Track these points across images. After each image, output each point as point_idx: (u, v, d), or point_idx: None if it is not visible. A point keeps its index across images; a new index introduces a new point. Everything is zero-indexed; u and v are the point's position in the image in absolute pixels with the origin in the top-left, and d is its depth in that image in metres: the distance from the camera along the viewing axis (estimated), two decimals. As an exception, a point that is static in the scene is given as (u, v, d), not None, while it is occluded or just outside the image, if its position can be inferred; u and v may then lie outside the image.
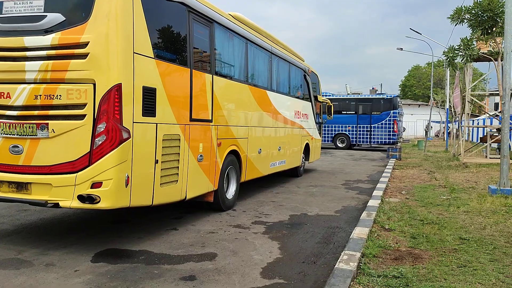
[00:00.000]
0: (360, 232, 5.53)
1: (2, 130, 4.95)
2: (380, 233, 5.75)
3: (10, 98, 4.89)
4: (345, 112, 26.73)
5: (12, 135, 4.91)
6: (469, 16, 12.02)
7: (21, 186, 4.92)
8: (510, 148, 11.31)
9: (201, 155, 6.42)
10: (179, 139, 5.83)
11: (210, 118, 6.72)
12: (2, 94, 4.92)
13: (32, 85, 4.82)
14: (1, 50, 4.94)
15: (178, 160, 5.82)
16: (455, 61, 13.31)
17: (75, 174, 4.69)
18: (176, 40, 6.00)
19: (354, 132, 26.61)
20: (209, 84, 6.66)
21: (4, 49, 4.93)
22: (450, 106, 27.15)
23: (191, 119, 6.12)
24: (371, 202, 7.83)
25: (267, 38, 9.64)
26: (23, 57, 4.85)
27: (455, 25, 12.26)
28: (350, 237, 5.38)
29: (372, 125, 26.07)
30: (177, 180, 5.81)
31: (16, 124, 4.88)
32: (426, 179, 11.80)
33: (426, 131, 37.64)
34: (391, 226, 6.08)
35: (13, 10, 4.92)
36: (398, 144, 24.81)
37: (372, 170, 15.08)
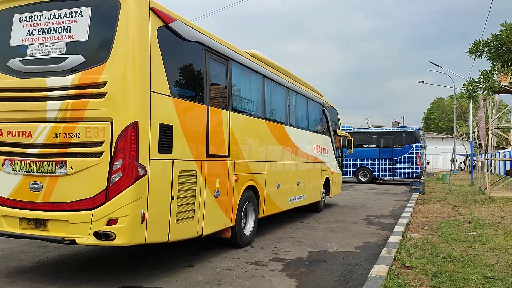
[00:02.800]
0: (379, 270, 5.37)
1: (23, 167, 5.07)
2: (401, 271, 5.57)
3: (31, 137, 5.04)
4: (366, 146, 26.51)
5: (32, 172, 5.02)
6: (488, 50, 11.94)
7: (39, 223, 4.99)
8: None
9: (218, 191, 6.42)
10: (196, 175, 5.86)
11: (227, 154, 6.76)
12: (24, 132, 5.08)
13: (53, 124, 4.97)
14: (25, 91, 5.14)
15: (195, 196, 5.84)
16: (476, 93, 13.15)
17: (91, 211, 4.75)
18: (193, 78, 6.13)
19: (376, 166, 26.27)
20: (226, 120, 6.74)
21: (27, 89, 5.12)
22: (474, 138, 26.68)
23: (208, 155, 6.17)
24: (392, 238, 7.63)
25: (284, 74, 9.77)
26: (44, 97, 5.02)
27: (474, 59, 12.18)
28: (369, 275, 5.22)
29: (395, 159, 25.72)
30: (193, 216, 5.81)
31: (36, 162, 5.00)
32: (450, 214, 11.47)
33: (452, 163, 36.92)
34: (412, 263, 5.89)
35: (37, 52, 5.13)
36: (421, 178, 24.34)
37: (394, 204, 14.78)
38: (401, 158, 25.54)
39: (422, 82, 46.87)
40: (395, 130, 27.12)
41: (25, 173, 5.08)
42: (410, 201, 14.82)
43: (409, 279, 5.16)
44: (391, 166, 25.82)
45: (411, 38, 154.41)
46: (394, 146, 25.80)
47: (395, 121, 40.41)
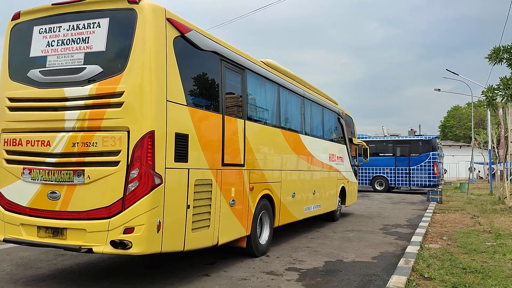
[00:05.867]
0: (397, 280, 5.28)
1: (42, 176, 5.14)
2: (419, 282, 5.47)
3: (50, 146, 5.11)
4: (382, 154, 26.28)
5: (51, 181, 5.08)
6: (508, 56, 11.76)
7: (57, 232, 5.04)
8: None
9: (233, 200, 6.42)
10: (211, 184, 5.87)
11: (243, 163, 6.76)
12: (43, 142, 5.15)
13: (71, 133, 5.03)
14: (44, 101, 5.22)
15: (210, 205, 5.84)
16: (495, 101, 12.95)
17: (108, 220, 4.77)
18: (208, 88, 6.17)
19: (393, 175, 26.00)
20: (241, 129, 6.75)
21: (46, 99, 5.20)
22: (493, 146, 26.23)
23: (223, 164, 6.18)
24: (410, 248, 7.51)
25: (299, 83, 9.76)
26: (63, 107, 5.10)
27: (494, 65, 12.01)
28: (387, 286, 5.14)
29: (411, 167, 25.42)
30: (209, 225, 5.80)
31: (55, 171, 5.06)
32: (469, 223, 11.26)
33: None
34: (430, 274, 5.78)
35: (55, 63, 5.22)
36: (439, 187, 24.00)
37: (411, 214, 14.57)
38: (418, 166, 25.26)
39: (439, 90, 46.37)
40: (412, 138, 26.86)
41: (43, 182, 5.14)
42: (427, 211, 14.60)
43: (428, 291, 5.06)
44: (407, 175, 25.54)
45: (426, 46, 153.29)
46: (411, 155, 25.53)
47: (411, 129, 40.01)
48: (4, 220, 5.33)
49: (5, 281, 5.63)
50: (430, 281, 5.52)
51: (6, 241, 5.33)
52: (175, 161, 5.13)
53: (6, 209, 5.35)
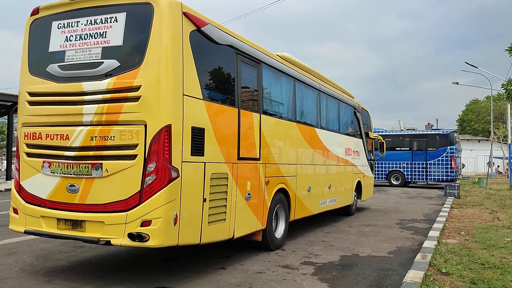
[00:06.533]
0: (414, 275, 5.24)
1: (61, 169, 5.22)
2: (436, 277, 5.41)
3: (68, 140, 5.19)
4: (399, 149, 26.03)
5: (70, 174, 5.16)
6: (528, 48, 11.56)
7: (76, 224, 5.12)
8: None
9: (249, 194, 6.43)
10: (227, 178, 5.89)
11: (258, 157, 6.76)
12: (62, 136, 5.23)
13: (89, 127, 5.09)
14: (62, 95, 5.29)
15: (226, 198, 5.87)
16: (515, 94, 12.73)
17: (126, 213, 4.83)
18: (224, 81, 6.18)
19: (409, 169, 25.75)
20: (257, 123, 6.75)
21: (65, 94, 5.27)
22: (512, 140, 25.76)
23: (239, 158, 6.19)
24: (427, 243, 7.44)
25: (315, 76, 9.71)
26: (81, 101, 5.16)
27: (514, 57, 11.79)
28: (403, 280, 5.10)
29: (428, 162, 25.13)
30: (225, 219, 5.83)
31: (73, 164, 5.14)
32: (488, 219, 11.10)
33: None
34: (448, 269, 5.72)
35: (74, 58, 5.28)
36: (456, 182, 23.68)
37: (428, 208, 14.42)
38: (435, 161, 24.96)
39: (457, 83, 45.65)
40: (429, 132, 26.55)
41: (62, 175, 5.22)
42: (445, 206, 14.43)
43: (446, 286, 5.01)
44: (424, 170, 25.26)
45: (444, 39, 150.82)
46: (428, 149, 25.23)
47: (428, 123, 39.57)
48: (25, 212, 5.44)
49: (26, 272, 5.75)
50: (447, 276, 5.47)
51: (27, 232, 5.44)
52: (191, 155, 5.16)
53: (26, 202, 5.46)
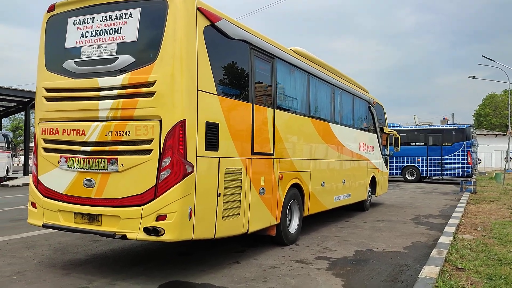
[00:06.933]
0: (429, 271, 5.20)
1: (77, 164, 5.29)
2: (452, 272, 5.37)
3: (85, 135, 5.25)
4: (414, 144, 25.78)
5: (86, 169, 5.23)
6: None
7: (92, 218, 5.19)
8: None
9: (263, 188, 6.44)
10: (241, 173, 5.91)
11: (272, 152, 6.77)
12: (78, 131, 5.30)
13: (104, 123, 5.15)
14: (79, 91, 5.35)
15: (240, 193, 5.89)
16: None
17: (141, 207, 4.88)
18: (238, 77, 6.18)
19: (424, 164, 25.48)
20: (271, 118, 6.75)
21: (81, 89, 5.33)
22: (530, 135, 25.31)
23: (253, 153, 6.20)
24: (443, 239, 7.37)
25: (329, 71, 9.66)
26: (97, 97, 5.21)
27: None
28: (419, 276, 5.07)
29: (444, 157, 24.85)
30: (239, 214, 5.86)
31: (90, 159, 5.20)
32: (505, 214, 10.94)
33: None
34: (464, 265, 5.67)
35: (89, 54, 5.34)
36: (473, 177, 23.39)
37: (444, 204, 14.28)
38: (451, 156, 24.67)
39: (474, 77, 44.99)
40: (445, 127, 26.21)
41: (79, 169, 5.29)
42: (461, 201, 14.27)
43: (462, 281, 4.96)
44: (440, 165, 24.98)
45: (461, 32, 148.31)
46: (444, 144, 24.94)
47: (443, 118, 39.08)
48: (43, 206, 5.54)
49: (45, 265, 5.85)
50: (464, 272, 5.42)
51: (45, 226, 5.53)
52: (206, 150, 5.19)
53: (44, 196, 5.55)
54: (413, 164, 25.85)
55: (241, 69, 6.19)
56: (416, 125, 29.88)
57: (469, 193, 17.27)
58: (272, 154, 6.78)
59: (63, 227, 5.42)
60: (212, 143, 5.30)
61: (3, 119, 32.13)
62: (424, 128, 26.99)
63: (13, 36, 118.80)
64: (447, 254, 6.18)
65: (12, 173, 26.84)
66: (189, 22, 5.04)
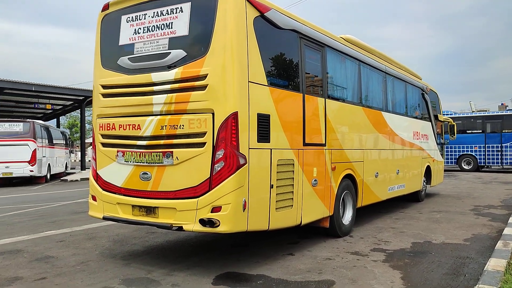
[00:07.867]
0: (495, 263, 4.95)
1: (134, 158, 5.44)
2: (521, 266, 5.08)
3: (140, 130, 5.38)
4: (470, 131, 24.66)
5: (142, 163, 5.36)
6: None
7: (149, 210, 5.32)
8: None
9: (315, 180, 6.36)
10: (293, 164, 5.86)
11: (324, 142, 6.66)
12: (134, 126, 5.43)
13: (159, 117, 5.24)
14: (133, 87, 5.48)
15: (293, 185, 5.84)
16: None
17: (196, 199, 4.95)
18: (288, 67, 6.11)
19: (482, 153, 24.33)
20: (322, 108, 6.63)
21: (135, 85, 5.46)
22: None
23: (305, 144, 6.13)
24: (508, 230, 7.00)
25: (381, 58, 9.37)
26: (150, 92, 5.32)
27: None
28: (485, 269, 4.83)
29: (504, 145, 23.60)
30: (292, 205, 5.82)
31: (146, 153, 5.33)
32: None
33: None
34: (533, 258, 5.35)
35: (142, 50, 5.45)
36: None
37: (505, 194, 13.57)
38: None
39: (534, 59, 42.15)
40: (504, 113, 24.87)
41: (135, 163, 5.43)
42: (524, 191, 13.53)
43: (531, 275, 4.69)
44: (499, 153, 23.75)
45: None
46: (503, 131, 23.67)
47: (502, 103, 37.15)
48: (102, 199, 5.74)
49: (105, 255, 6.08)
50: (532, 265, 5.11)
51: (105, 218, 5.73)
52: (258, 142, 5.17)
53: (103, 189, 5.75)
54: (469, 153, 24.75)
55: (291, 59, 6.12)
56: (472, 112, 28.57)
57: (533, 182, 16.32)
58: (324, 145, 6.67)
59: (122, 219, 5.59)
60: (264, 134, 5.28)
61: (60, 117, 33.71)
62: (482, 114, 25.75)
63: (64, 37, 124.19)
64: (513, 246, 5.86)
65: (71, 169, 28.19)
66: (239, 13, 5.02)
